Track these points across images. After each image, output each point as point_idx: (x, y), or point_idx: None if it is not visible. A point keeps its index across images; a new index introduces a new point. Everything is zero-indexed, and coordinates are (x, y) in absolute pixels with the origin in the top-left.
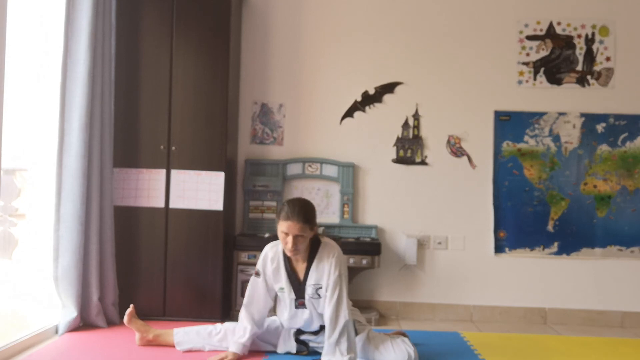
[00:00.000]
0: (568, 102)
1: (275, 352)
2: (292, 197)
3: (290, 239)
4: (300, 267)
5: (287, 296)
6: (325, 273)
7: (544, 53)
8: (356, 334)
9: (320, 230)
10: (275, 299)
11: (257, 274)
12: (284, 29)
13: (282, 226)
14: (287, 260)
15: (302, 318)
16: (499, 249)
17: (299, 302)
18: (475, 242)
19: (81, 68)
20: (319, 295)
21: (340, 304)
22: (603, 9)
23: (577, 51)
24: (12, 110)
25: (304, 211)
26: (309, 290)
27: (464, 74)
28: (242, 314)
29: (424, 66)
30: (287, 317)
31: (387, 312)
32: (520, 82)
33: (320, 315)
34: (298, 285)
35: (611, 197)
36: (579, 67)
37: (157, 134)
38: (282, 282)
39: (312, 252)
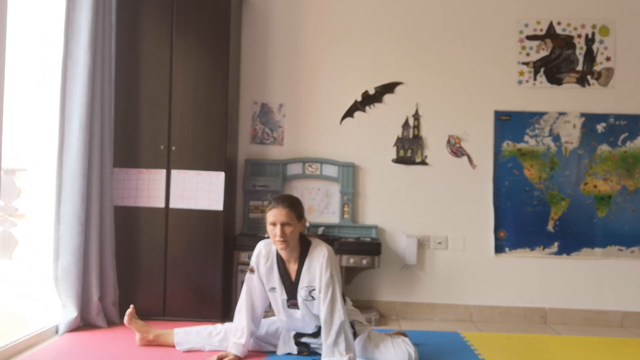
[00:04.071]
0: (568, 102)
1: (275, 353)
2: None
3: (278, 227)
4: (292, 268)
5: (279, 297)
6: (317, 275)
7: (544, 53)
8: (355, 334)
9: (320, 230)
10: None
11: (252, 270)
12: (284, 29)
13: (269, 217)
14: (281, 261)
15: (297, 319)
16: (499, 249)
17: (291, 303)
18: (475, 242)
19: (81, 68)
20: (312, 297)
21: (334, 305)
22: (603, 9)
23: (577, 51)
24: (13, 110)
25: (289, 199)
26: (302, 293)
27: (464, 74)
28: (240, 314)
29: (424, 66)
30: (284, 318)
31: (387, 312)
32: (520, 82)
33: (315, 317)
34: (289, 286)
35: (611, 197)
36: (579, 67)
37: (157, 134)
38: (274, 282)
39: (302, 252)
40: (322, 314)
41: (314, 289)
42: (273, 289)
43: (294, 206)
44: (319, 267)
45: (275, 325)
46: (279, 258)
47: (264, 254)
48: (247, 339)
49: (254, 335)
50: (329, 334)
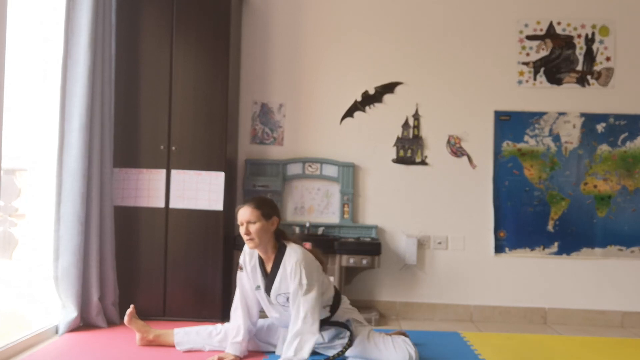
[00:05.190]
0: (568, 102)
1: (275, 353)
2: (292, 197)
3: (244, 226)
4: (268, 268)
5: (263, 293)
6: (289, 282)
7: (544, 53)
8: (352, 339)
9: (320, 230)
10: None
11: (241, 268)
12: (284, 29)
13: (238, 217)
14: (261, 260)
15: (286, 314)
16: (499, 249)
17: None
18: (475, 242)
19: (81, 68)
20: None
21: (297, 313)
22: (603, 9)
23: (577, 51)
24: (13, 110)
25: (257, 199)
26: (280, 299)
27: (464, 74)
28: (236, 313)
29: (424, 66)
30: (276, 315)
31: (387, 312)
32: (520, 82)
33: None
34: (267, 282)
35: (611, 197)
36: (579, 67)
37: (157, 134)
38: (258, 280)
39: (277, 257)
40: (291, 318)
41: (290, 295)
42: (258, 287)
43: (260, 205)
44: (290, 274)
45: (274, 325)
46: (260, 257)
47: (248, 252)
48: (245, 337)
49: (252, 333)
50: (289, 343)
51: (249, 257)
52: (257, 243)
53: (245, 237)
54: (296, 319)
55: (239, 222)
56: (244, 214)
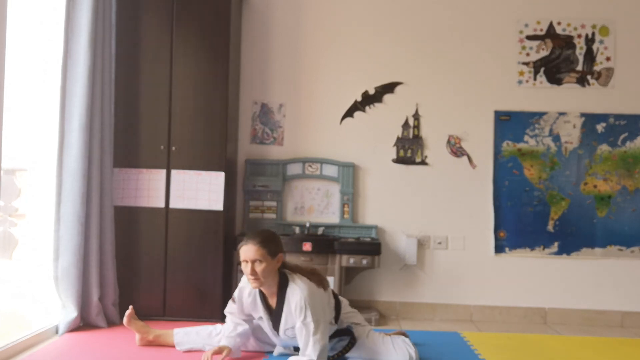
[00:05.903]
0: (568, 102)
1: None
2: (292, 197)
3: (248, 265)
4: (272, 303)
5: (267, 325)
6: (294, 319)
7: (544, 53)
8: (353, 342)
9: (320, 230)
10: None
11: (234, 300)
12: (284, 29)
13: (241, 254)
14: (263, 296)
15: (287, 341)
16: (499, 249)
17: (278, 332)
18: (475, 242)
19: (81, 68)
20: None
21: (305, 349)
22: (603, 9)
23: (577, 51)
24: (13, 110)
25: (262, 236)
26: (289, 333)
27: (464, 74)
28: (231, 318)
29: (424, 66)
30: (278, 342)
31: (387, 312)
32: (520, 82)
33: None
34: (273, 318)
35: (611, 197)
36: (579, 67)
37: (157, 134)
38: (260, 312)
39: (280, 293)
40: (300, 351)
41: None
42: (260, 318)
43: (266, 242)
44: (294, 310)
45: None
46: (262, 294)
47: (247, 291)
48: (240, 336)
49: (249, 335)
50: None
51: (246, 293)
52: (262, 283)
53: (250, 277)
54: (303, 352)
55: (241, 259)
56: (248, 252)
